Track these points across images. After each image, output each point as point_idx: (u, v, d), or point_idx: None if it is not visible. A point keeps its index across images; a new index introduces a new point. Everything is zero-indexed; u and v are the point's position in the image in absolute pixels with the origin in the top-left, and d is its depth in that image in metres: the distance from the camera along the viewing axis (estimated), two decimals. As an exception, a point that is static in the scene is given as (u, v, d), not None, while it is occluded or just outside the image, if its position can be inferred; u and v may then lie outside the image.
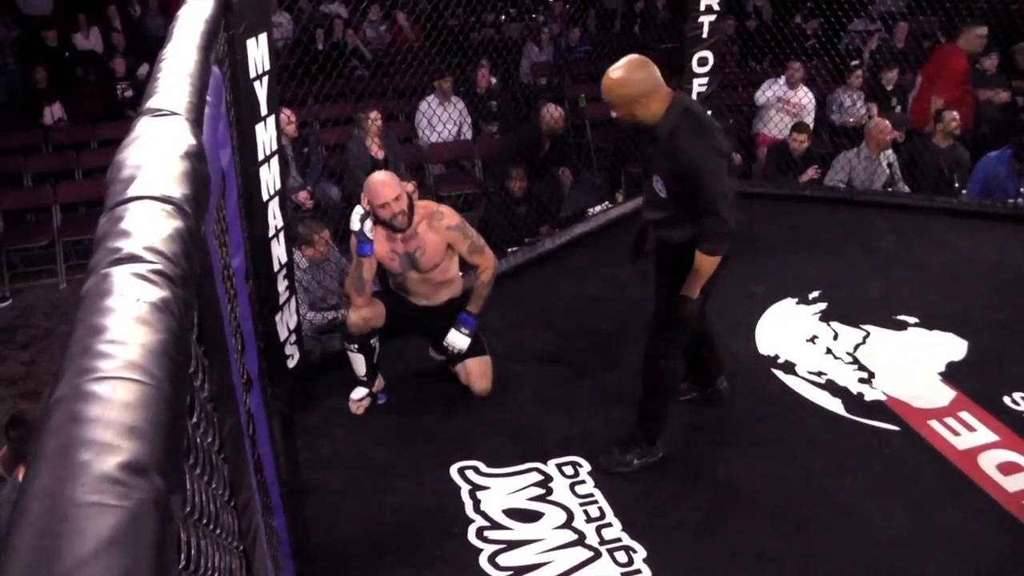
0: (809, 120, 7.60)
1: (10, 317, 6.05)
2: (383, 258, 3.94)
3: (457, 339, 4.03)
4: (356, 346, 4.03)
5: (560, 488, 3.56)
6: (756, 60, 8.10)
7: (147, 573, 0.55)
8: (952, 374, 4.33)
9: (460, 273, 4.17)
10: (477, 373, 4.13)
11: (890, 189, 6.69)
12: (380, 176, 3.81)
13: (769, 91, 7.77)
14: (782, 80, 7.73)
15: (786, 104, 7.66)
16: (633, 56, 3.19)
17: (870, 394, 4.17)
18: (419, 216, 3.86)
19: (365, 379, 4.10)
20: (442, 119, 7.29)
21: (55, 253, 6.57)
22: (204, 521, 1.01)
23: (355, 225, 3.74)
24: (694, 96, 6.39)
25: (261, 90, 3.45)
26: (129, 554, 0.54)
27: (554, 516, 3.41)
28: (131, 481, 0.59)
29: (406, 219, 3.78)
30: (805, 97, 7.67)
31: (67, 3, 9.57)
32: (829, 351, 4.55)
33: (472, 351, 4.11)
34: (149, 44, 8.69)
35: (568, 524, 3.37)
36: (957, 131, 6.66)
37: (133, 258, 0.82)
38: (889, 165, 6.68)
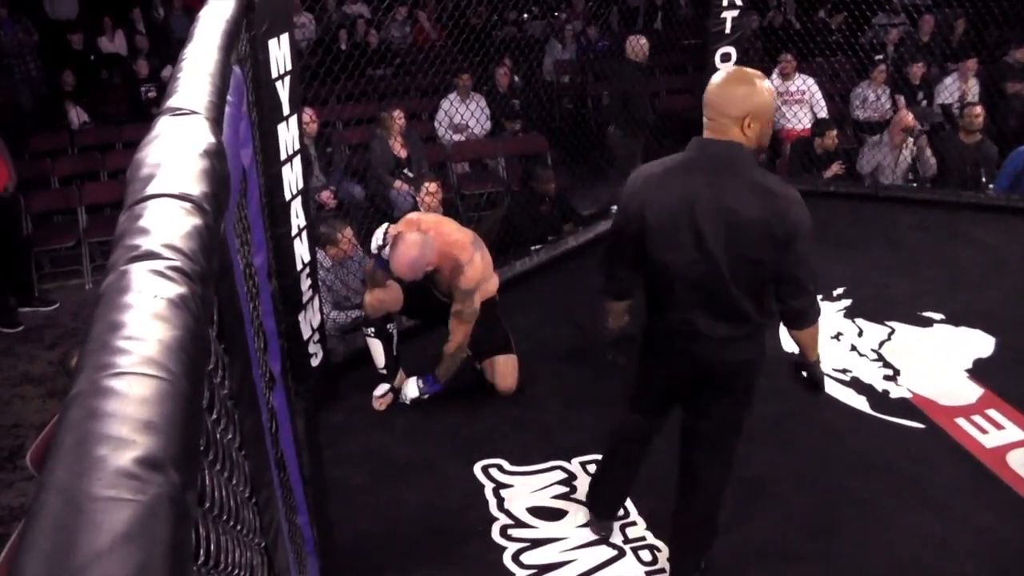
0: (819, 105, 7.56)
1: (38, 317, 6.11)
2: None
3: (410, 389, 4.03)
4: (372, 330, 4.05)
5: (584, 486, 3.55)
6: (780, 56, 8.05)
7: (162, 568, 0.55)
8: (979, 371, 4.28)
9: (493, 276, 4.14)
10: (503, 371, 4.13)
11: (914, 184, 6.65)
12: (405, 256, 3.62)
13: None
14: (774, 76, 7.68)
15: (787, 96, 7.61)
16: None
17: (895, 392, 4.13)
18: (449, 262, 3.79)
19: (385, 372, 4.12)
20: (464, 116, 7.29)
21: (81, 254, 6.63)
22: (224, 517, 1.01)
23: (373, 248, 3.72)
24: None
25: (283, 90, 3.46)
26: (144, 548, 0.55)
27: (578, 514, 3.41)
28: (147, 476, 0.59)
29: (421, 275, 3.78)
30: (804, 84, 7.64)
31: (92, 6, 9.65)
32: (854, 348, 4.52)
33: (499, 349, 4.13)
34: (173, 46, 8.74)
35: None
36: (980, 126, 6.59)
37: (151, 255, 0.82)
38: (913, 159, 6.65)
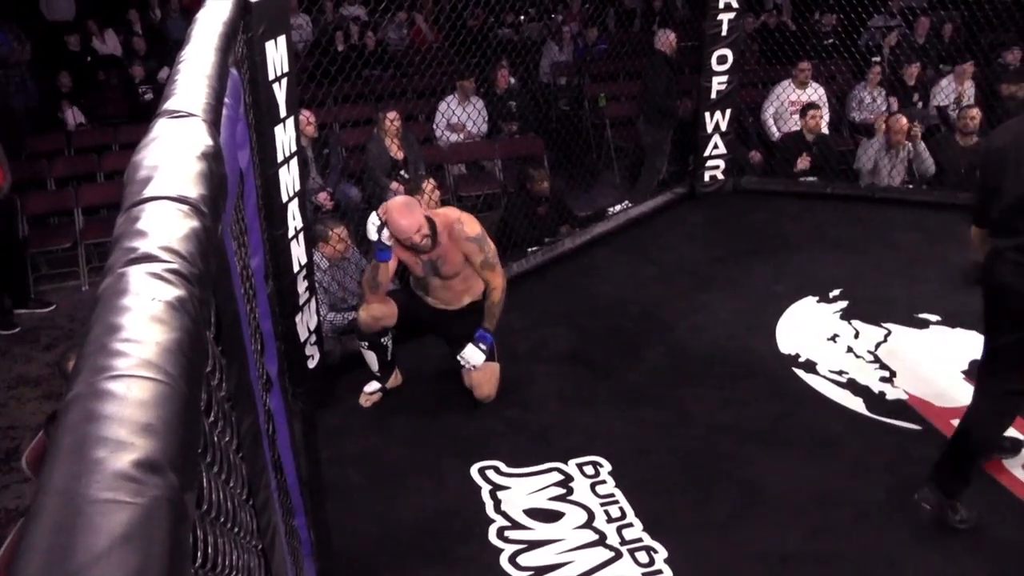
0: (824, 113, 7.49)
1: (35, 319, 6.10)
2: (407, 261, 3.93)
3: (473, 355, 3.94)
4: (367, 344, 4.06)
5: (581, 488, 3.55)
6: (777, 60, 7.99)
7: (160, 570, 0.55)
8: (975, 373, 4.27)
9: (479, 282, 4.13)
10: (478, 380, 4.07)
11: (910, 186, 6.66)
12: (401, 212, 3.66)
13: (779, 99, 7.52)
14: (786, 83, 7.54)
15: (800, 106, 7.50)
16: None
17: (892, 393, 4.14)
18: (441, 226, 3.80)
19: (379, 375, 4.15)
20: (461, 118, 7.29)
21: (78, 255, 6.62)
22: (221, 519, 1.01)
23: (372, 235, 3.71)
24: (712, 95, 6.39)
25: (280, 92, 3.46)
26: (142, 551, 0.55)
27: (575, 516, 3.41)
28: (145, 478, 0.59)
29: (429, 241, 3.73)
30: (815, 94, 7.49)
31: (89, 8, 9.64)
32: (850, 350, 4.52)
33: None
34: (170, 48, 8.73)
35: (589, 524, 3.37)
36: (977, 128, 6.60)
37: (149, 257, 0.82)
38: (909, 161, 6.66)
